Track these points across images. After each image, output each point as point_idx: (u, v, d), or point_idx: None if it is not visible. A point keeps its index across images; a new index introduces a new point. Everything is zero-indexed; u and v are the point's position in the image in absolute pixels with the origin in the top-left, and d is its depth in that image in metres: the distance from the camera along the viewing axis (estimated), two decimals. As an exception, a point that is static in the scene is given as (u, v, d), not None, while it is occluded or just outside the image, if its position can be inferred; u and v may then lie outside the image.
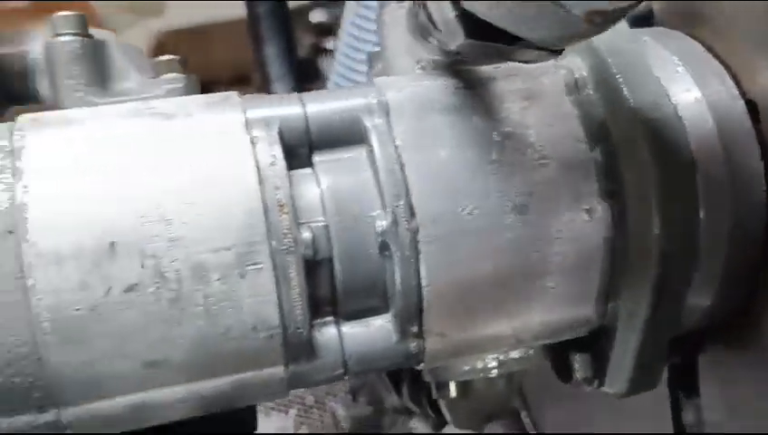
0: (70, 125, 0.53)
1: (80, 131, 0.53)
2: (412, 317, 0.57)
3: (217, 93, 0.57)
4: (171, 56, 0.60)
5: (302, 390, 1.57)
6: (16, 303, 0.49)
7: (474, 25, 0.46)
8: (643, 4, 0.58)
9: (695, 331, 0.68)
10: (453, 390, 0.67)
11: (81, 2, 3.02)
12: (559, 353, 0.69)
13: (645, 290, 0.59)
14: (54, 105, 0.61)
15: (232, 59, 2.70)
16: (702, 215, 0.57)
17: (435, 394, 0.71)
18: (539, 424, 1.13)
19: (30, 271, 0.49)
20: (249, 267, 0.52)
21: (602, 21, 0.40)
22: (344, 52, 1.43)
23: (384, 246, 0.55)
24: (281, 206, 0.53)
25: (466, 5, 0.44)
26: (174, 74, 0.60)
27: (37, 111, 0.56)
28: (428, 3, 0.51)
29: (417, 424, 1.45)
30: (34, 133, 0.52)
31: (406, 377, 0.82)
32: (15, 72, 0.59)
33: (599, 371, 0.67)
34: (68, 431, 0.54)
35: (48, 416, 0.52)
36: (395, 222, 0.55)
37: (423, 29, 0.58)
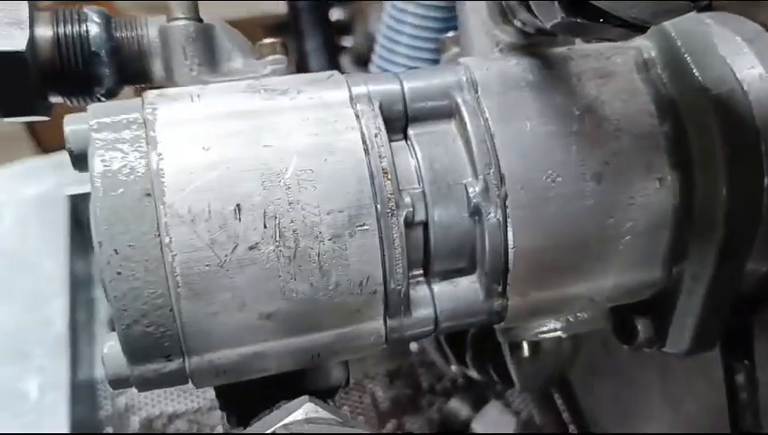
0: (194, 99, 0.59)
1: (204, 105, 0.58)
2: (498, 277, 0.62)
3: (322, 72, 0.62)
4: (273, 39, 0.66)
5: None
6: (154, 259, 0.54)
7: (573, 5, 0.51)
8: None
9: (751, 296, 0.72)
10: (526, 349, 0.72)
11: (105, 1, 3.09)
12: (621, 317, 0.74)
13: (710, 251, 0.64)
14: (164, 85, 0.66)
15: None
16: (766, 182, 0.62)
17: (507, 355, 0.76)
18: (587, 404, 1.18)
19: (166, 230, 0.54)
20: (357, 228, 0.57)
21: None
22: (383, 43, 1.49)
23: (476, 211, 0.60)
24: (385, 173, 0.58)
25: (569, -13, 0.49)
26: (277, 56, 0.65)
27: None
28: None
29: (456, 404, 1.50)
30: (164, 107, 0.57)
31: (469, 346, 0.87)
32: (133, 53, 0.64)
33: (660, 332, 0.72)
34: (190, 381, 0.60)
35: (174, 365, 0.57)
36: (486, 188, 0.60)
37: (506, 12, 0.64)
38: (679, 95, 0.64)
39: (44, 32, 0.62)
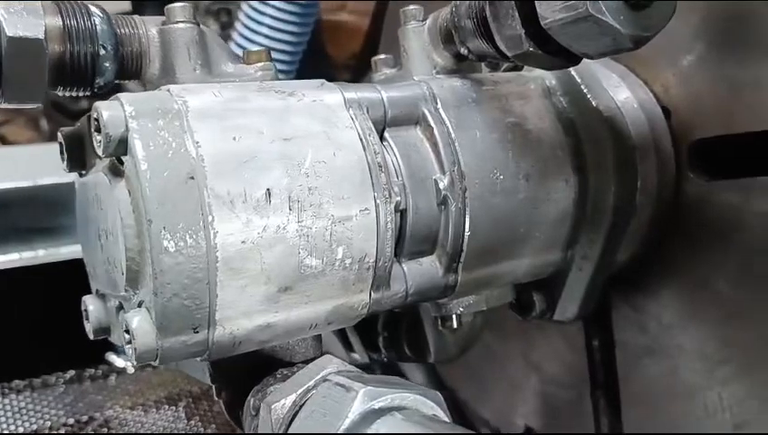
0: (216, 95, 0.65)
1: (225, 100, 0.65)
2: (455, 257, 0.76)
3: (313, 80, 0.72)
4: (260, 48, 0.73)
5: (188, 382, 1.63)
6: (199, 236, 0.59)
7: (539, 40, 0.66)
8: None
9: (609, 278, 0.93)
10: (455, 322, 0.86)
11: None
12: (522, 292, 0.91)
13: (600, 237, 0.83)
14: (152, 84, 0.70)
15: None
16: (639, 183, 0.83)
17: (429, 330, 0.89)
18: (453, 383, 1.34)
19: (209, 210, 0.60)
20: (361, 212, 0.67)
21: (638, 43, 0.63)
22: (239, 42, 1.58)
23: (444, 201, 0.73)
24: (380, 166, 0.69)
25: (545, 26, 0.64)
26: (265, 62, 0.73)
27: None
28: (492, 22, 0.70)
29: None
30: (192, 99, 0.63)
31: (382, 331, 0.98)
32: (133, 50, 0.68)
33: (551, 305, 0.90)
34: (206, 354, 0.65)
35: (199, 336, 0.62)
36: (452, 182, 0.73)
37: (453, 38, 0.77)
38: (577, 116, 0.83)
39: (54, 21, 0.63)
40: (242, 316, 0.64)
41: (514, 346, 1.13)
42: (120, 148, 0.60)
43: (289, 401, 0.59)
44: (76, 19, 0.64)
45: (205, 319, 0.62)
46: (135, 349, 0.61)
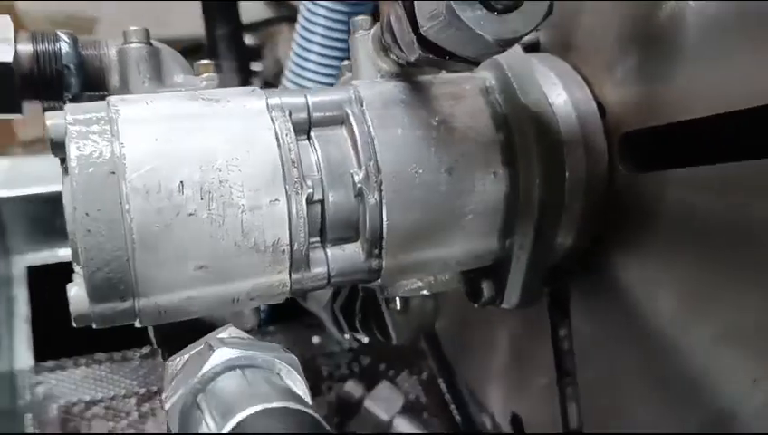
0: (148, 103, 0.77)
1: (155, 108, 0.77)
2: (375, 244, 0.83)
3: (246, 87, 0.82)
4: (208, 61, 0.85)
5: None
6: (116, 220, 0.72)
7: (426, 46, 0.73)
8: (532, 35, 0.88)
9: (565, 266, 0.97)
10: (398, 303, 0.93)
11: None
12: (471, 279, 0.96)
13: (530, 228, 0.87)
14: (118, 93, 0.84)
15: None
16: (567, 175, 0.86)
17: (385, 312, 0.97)
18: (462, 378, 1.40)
19: (126, 199, 0.72)
20: (271, 202, 0.77)
21: (505, 46, 0.68)
22: (293, 60, 1.70)
23: (360, 193, 0.81)
24: (292, 162, 0.78)
25: (423, 33, 0.71)
26: (210, 74, 0.85)
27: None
28: (395, 30, 0.77)
29: (351, 386, 1.70)
30: (124, 108, 0.76)
31: (358, 312, 1.07)
32: (95, 68, 0.82)
33: (499, 292, 0.95)
34: (137, 319, 0.77)
35: (126, 304, 0.75)
36: (367, 176, 0.81)
37: (385, 47, 0.85)
38: (510, 112, 0.87)
39: (25, 47, 0.79)
40: (163, 289, 0.76)
41: (503, 334, 1.17)
42: (62, 150, 0.74)
43: (182, 360, 0.70)
44: (44, 45, 0.79)
45: (129, 290, 0.74)
46: (72, 313, 0.75)
